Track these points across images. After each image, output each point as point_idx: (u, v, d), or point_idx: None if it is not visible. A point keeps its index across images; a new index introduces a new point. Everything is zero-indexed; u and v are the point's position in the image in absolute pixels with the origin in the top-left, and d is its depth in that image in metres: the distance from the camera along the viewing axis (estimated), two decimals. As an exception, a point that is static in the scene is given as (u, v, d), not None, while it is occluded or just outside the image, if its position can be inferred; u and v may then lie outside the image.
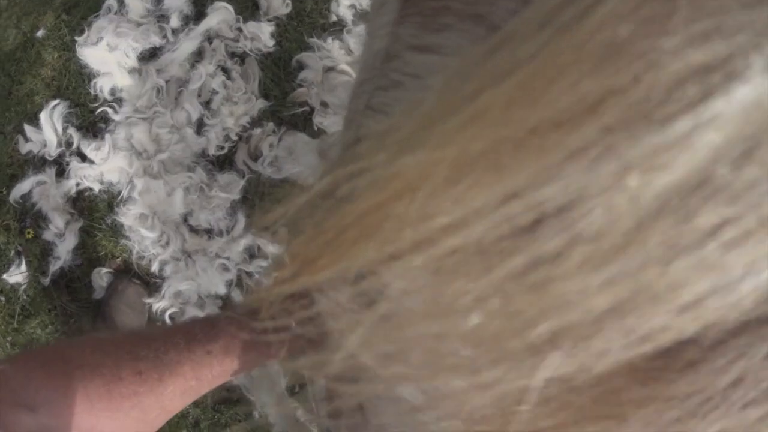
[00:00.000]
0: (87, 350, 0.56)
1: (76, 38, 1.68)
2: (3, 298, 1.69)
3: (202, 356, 0.59)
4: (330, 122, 1.68)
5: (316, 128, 1.69)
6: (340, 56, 1.71)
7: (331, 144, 1.64)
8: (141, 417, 0.55)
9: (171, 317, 1.61)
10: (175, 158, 1.63)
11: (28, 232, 1.68)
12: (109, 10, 1.69)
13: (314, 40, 1.72)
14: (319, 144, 1.68)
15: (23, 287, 1.67)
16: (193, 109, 1.62)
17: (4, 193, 1.69)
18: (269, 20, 1.71)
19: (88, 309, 1.66)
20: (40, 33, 1.74)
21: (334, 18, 1.75)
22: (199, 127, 1.65)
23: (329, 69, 1.71)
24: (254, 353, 0.62)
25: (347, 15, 1.74)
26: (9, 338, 1.69)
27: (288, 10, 1.73)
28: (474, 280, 0.28)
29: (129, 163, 1.61)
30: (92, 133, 1.68)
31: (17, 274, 1.67)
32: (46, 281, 1.66)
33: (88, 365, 0.54)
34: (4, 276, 1.67)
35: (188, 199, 1.61)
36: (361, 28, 1.74)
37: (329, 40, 1.72)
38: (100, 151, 1.62)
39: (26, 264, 1.67)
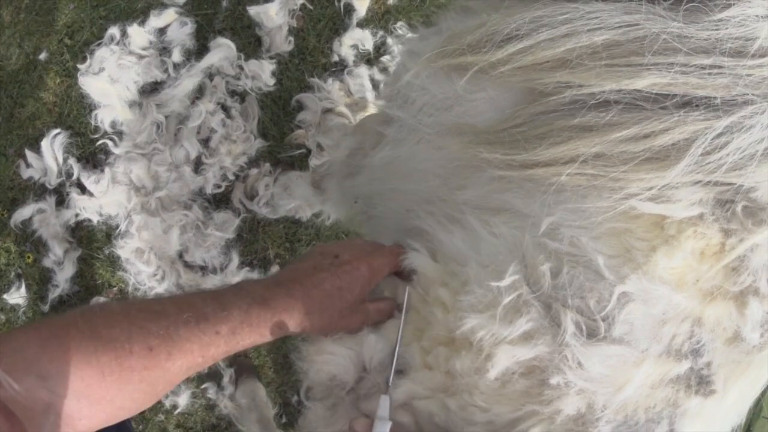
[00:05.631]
0: (99, 323, 0.58)
1: (78, 65, 1.69)
2: (3, 317, 1.75)
3: (211, 336, 0.61)
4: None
5: (311, 170, 1.71)
6: (339, 98, 1.72)
7: (323, 174, 1.66)
8: (149, 390, 0.59)
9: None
10: (173, 196, 1.66)
11: (28, 257, 1.72)
12: (112, 39, 1.69)
13: (314, 80, 1.73)
14: (311, 175, 1.69)
15: (23, 309, 1.73)
16: (192, 148, 1.65)
17: (5, 216, 1.73)
18: (271, 57, 1.71)
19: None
20: (42, 56, 1.74)
21: (335, 58, 1.75)
22: (197, 165, 1.68)
23: (327, 110, 1.72)
24: (258, 335, 0.64)
25: (349, 55, 1.74)
26: (9, 355, 1.76)
27: (290, 47, 1.72)
28: None
29: (127, 197, 1.64)
30: (92, 164, 1.71)
31: (18, 297, 1.72)
32: (45, 308, 1.72)
33: (101, 338, 0.56)
34: (5, 296, 1.73)
35: (184, 237, 1.65)
36: (362, 69, 1.73)
37: (329, 80, 1.73)
38: (99, 184, 1.65)
39: (26, 287, 1.72)
